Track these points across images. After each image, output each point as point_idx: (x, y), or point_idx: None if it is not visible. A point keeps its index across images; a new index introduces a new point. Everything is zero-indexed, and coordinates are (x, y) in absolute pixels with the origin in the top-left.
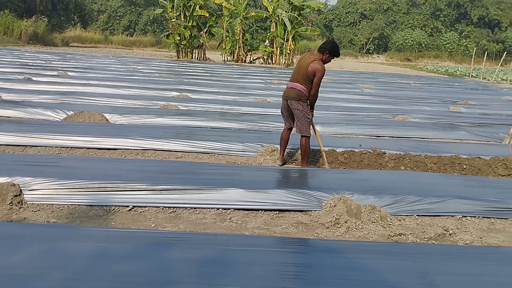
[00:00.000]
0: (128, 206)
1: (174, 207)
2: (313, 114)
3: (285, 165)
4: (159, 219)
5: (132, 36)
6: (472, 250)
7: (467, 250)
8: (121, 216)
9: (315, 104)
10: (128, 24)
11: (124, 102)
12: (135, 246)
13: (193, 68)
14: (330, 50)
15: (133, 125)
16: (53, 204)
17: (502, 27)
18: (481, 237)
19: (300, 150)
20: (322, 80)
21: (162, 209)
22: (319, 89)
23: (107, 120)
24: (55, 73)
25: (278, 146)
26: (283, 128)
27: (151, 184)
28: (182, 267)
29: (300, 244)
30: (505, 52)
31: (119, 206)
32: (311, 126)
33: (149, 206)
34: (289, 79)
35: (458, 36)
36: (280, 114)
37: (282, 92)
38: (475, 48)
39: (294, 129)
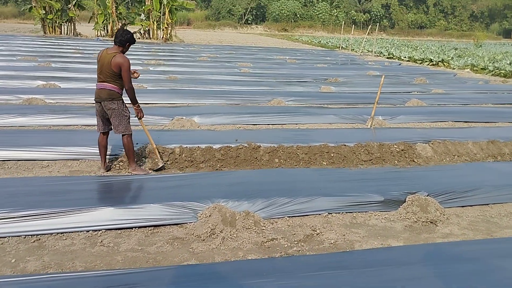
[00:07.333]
0: None
1: (37, 235)
2: (139, 108)
3: (116, 173)
4: (21, 251)
5: None
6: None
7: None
8: None
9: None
10: None
11: None
12: None
13: (63, 47)
14: (130, 41)
15: None
16: None
17: None
18: (344, 235)
19: (124, 151)
20: (204, 57)
21: (24, 238)
22: (131, 80)
23: None
24: None
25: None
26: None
27: (9, 211)
28: None
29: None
30: (371, 21)
31: None
32: (133, 123)
33: (9, 237)
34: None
35: (329, 6)
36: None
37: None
38: (344, 18)
39: (113, 130)
